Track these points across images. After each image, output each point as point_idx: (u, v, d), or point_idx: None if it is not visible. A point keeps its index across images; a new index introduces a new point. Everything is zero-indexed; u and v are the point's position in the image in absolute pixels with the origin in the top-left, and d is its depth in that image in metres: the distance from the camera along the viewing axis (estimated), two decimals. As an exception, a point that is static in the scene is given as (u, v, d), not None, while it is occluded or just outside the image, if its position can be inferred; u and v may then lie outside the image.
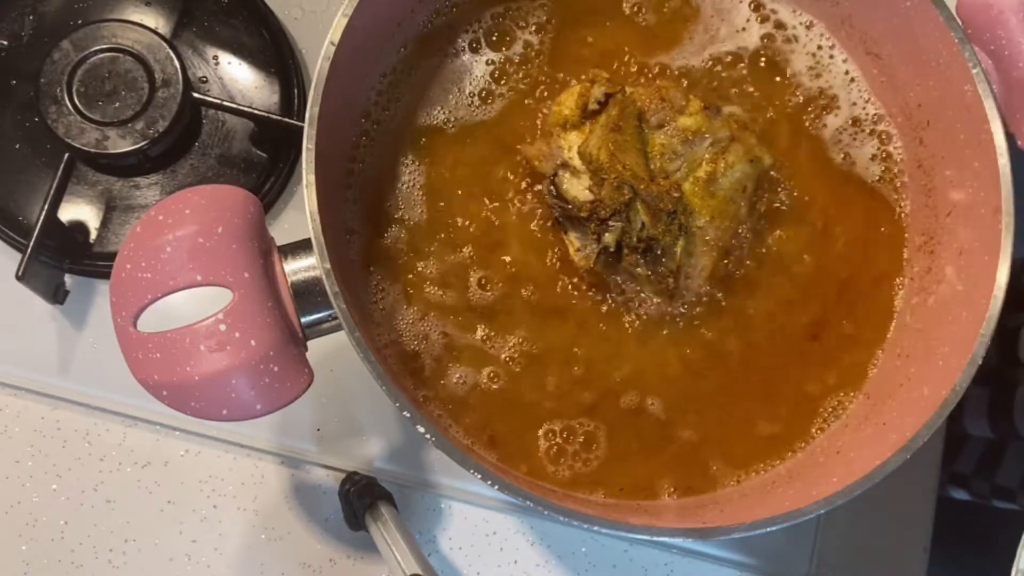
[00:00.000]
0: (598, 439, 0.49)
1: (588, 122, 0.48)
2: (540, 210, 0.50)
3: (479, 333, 0.49)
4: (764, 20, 0.54)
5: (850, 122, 0.53)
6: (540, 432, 0.49)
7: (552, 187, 0.48)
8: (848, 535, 0.60)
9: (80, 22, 0.58)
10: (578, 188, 0.47)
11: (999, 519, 0.87)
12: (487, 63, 0.52)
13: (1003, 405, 0.79)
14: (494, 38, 0.52)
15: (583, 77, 0.51)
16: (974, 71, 0.45)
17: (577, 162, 0.48)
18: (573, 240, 0.48)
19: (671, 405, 0.50)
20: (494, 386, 0.49)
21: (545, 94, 0.52)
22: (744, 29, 0.53)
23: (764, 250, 0.51)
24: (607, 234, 0.46)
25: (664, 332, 0.50)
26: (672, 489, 0.49)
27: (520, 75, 0.52)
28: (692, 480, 0.49)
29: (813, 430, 0.50)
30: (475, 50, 0.52)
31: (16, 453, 0.56)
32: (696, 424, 0.50)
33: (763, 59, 0.53)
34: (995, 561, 0.46)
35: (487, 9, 0.53)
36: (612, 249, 0.47)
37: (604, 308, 0.50)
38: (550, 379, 0.49)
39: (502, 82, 0.52)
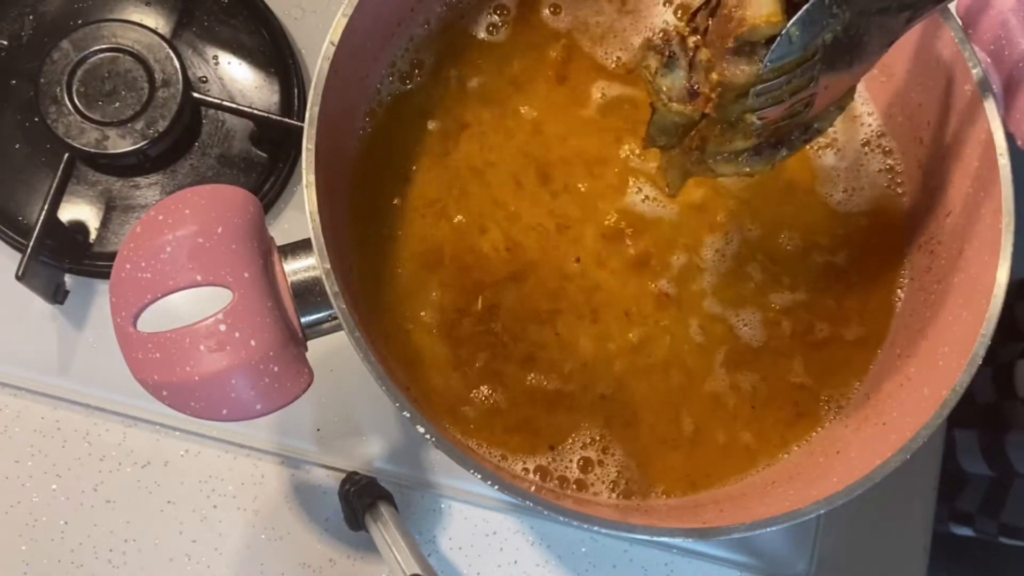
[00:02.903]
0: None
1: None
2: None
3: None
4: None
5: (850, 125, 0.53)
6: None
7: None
8: (848, 535, 0.60)
9: (80, 22, 0.58)
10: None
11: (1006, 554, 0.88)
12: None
13: (995, 442, 0.79)
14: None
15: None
16: (974, 71, 0.45)
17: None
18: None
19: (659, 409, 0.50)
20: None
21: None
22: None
23: (760, 250, 0.51)
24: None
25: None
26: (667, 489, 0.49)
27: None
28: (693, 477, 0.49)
29: (812, 430, 0.50)
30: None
31: (16, 453, 0.56)
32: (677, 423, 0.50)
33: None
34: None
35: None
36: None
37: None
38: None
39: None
